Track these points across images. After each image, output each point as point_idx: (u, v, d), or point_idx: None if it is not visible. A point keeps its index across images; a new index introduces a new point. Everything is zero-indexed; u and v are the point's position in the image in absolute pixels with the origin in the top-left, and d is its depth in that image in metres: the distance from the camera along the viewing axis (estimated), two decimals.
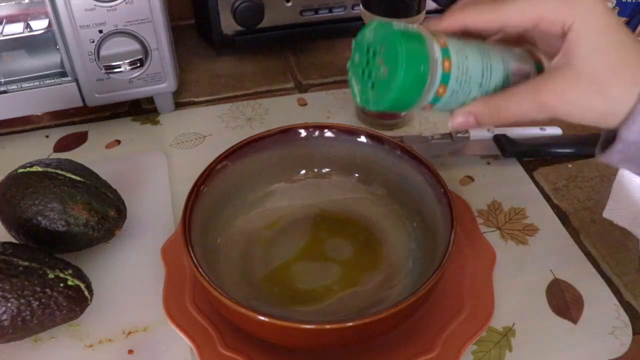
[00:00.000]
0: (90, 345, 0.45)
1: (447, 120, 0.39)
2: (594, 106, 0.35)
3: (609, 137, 0.37)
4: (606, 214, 0.54)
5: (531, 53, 0.41)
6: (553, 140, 0.62)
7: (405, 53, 0.35)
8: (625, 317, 0.47)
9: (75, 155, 0.63)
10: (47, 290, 0.42)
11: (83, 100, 0.62)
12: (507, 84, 0.39)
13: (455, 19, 0.37)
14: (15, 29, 0.57)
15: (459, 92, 0.38)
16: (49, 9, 0.56)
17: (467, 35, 0.38)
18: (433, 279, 0.40)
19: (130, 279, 0.50)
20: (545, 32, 0.36)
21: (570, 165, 0.62)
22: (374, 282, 0.48)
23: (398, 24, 0.37)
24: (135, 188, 0.57)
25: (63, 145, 0.65)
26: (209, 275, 0.41)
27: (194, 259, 0.42)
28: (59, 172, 0.48)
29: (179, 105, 0.70)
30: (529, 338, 0.46)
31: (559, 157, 0.62)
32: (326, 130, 0.53)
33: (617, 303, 0.48)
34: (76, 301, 0.43)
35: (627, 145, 0.35)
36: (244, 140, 0.51)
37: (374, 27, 0.38)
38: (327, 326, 0.38)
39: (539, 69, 0.40)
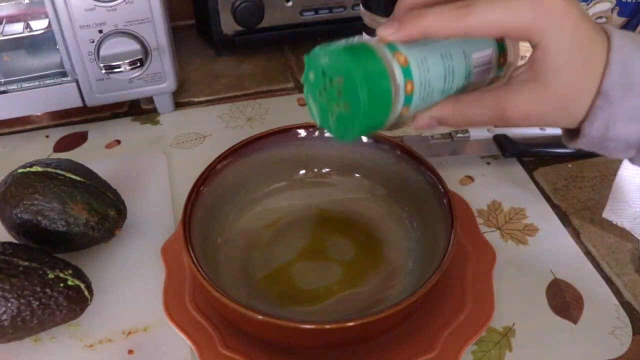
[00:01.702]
0: (90, 345, 0.45)
1: None
2: (557, 120, 0.36)
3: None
4: (606, 214, 0.54)
5: None
6: (553, 140, 0.62)
7: (366, 92, 0.33)
8: (625, 317, 0.47)
9: (75, 155, 0.63)
10: (47, 290, 0.42)
11: (83, 100, 0.62)
12: (470, 78, 0.38)
13: (414, 28, 0.35)
14: (15, 29, 0.57)
15: (422, 104, 0.37)
16: (49, 9, 0.56)
17: None
18: (433, 279, 0.40)
19: (130, 279, 0.50)
20: (513, 38, 0.37)
21: (570, 165, 0.62)
22: (374, 282, 0.48)
23: (355, 45, 0.35)
24: (135, 188, 0.57)
25: (63, 145, 0.65)
26: (209, 275, 0.41)
27: (194, 259, 0.42)
28: (59, 172, 0.48)
29: (179, 105, 0.70)
30: (529, 338, 0.46)
31: (559, 157, 0.62)
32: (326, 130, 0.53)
33: (617, 303, 0.48)
34: (76, 301, 0.43)
35: (590, 138, 0.36)
36: (244, 140, 0.51)
37: (330, 52, 0.35)
38: (327, 326, 0.38)
39: (501, 49, 0.39)
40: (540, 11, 0.33)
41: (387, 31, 0.35)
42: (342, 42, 0.35)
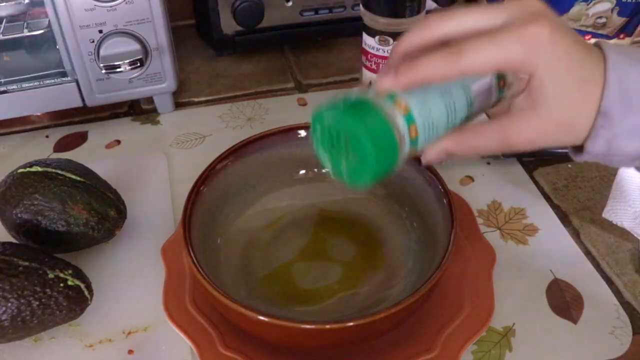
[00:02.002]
0: (90, 345, 0.45)
1: None
2: (561, 141, 0.37)
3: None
4: (606, 214, 0.54)
5: None
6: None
7: (372, 147, 0.35)
8: (625, 317, 0.47)
9: (75, 155, 0.63)
10: (47, 290, 0.42)
11: (83, 100, 0.62)
12: (472, 108, 0.39)
13: (410, 77, 0.36)
14: (15, 29, 0.57)
15: (428, 141, 0.38)
16: (49, 9, 0.56)
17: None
18: (433, 279, 0.40)
19: (130, 279, 0.50)
20: (508, 72, 0.38)
21: (570, 165, 0.62)
22: (374, 282, 0.48)
23: (356, 102, 0.36)
24: (135, 188, 0.57)
25: (63, 145, 0.65)
26: (209, 275, 0.41)
27: (194, 259, 0.42)
28: (59, 172, 0.48)
29: (179, 105, 0.70)
30: (529, 338, 0.46)
31: (559, 157, 0.62)
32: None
33: (617, 303, 0.48)
34: (76, 301, 0.43)
35: (593, 155, 0.37)
36: (244, 140, 0.51)
37: (333, 114, 0.37)
38: (327, 326, 0.38)
39: (499, 78, 0.40)
40: (529, 43, 0.34)
41: (384, 82, 0.36)
42: (343, 99, 0.37)
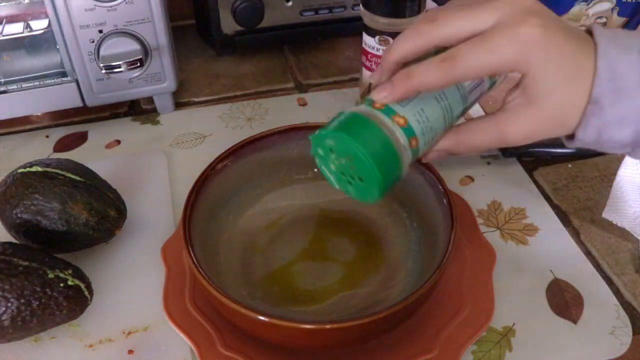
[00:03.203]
0: (90, 345, 0.45)
1: None
2: (555, 133, 0.38)
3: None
4: (606, 214, 0.54)
5: None
6: (553, 140, 0.62)
7: (375, 165, 0.36)
8: (625, 317, 0.47)
9: (75, 155, 0.63)
10: (47, 290, 0.42)
11: (83, 100, 0.62)
12: (466, 102, 0.40)
13: (406, 88, 0.37)
14: (15, 29, 0.57)
15: (427, 146, 0.39)
16: (49, 9, 0.56)
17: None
18: (433, 279, 0.40)
19: (130, 279, 0.50)
20: (501, 73, 0.40)
21: (570, 165, 0.62)
22: (374, 282, 0.48)
23: (354, 121, 0.37)
24: (135, 188, 0.57)
25: (63, 145, 0.65)
26: (209, 275, 0.41)
27: (194, 259, 0.42)
28: (59, 172, 0.48)
29: (179, 105, 0.70)
30: (529, 338, 0.46)
31: (559, 157, 0.62)
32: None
33: (617, 303, 0.48)
34: (76, 301, 0.43)
35: (584, 143, 0.38)
36: (244, 140, 0.51)
37: (333, 136, 0.37)
38: (327, 326, 0.38)
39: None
40: (520, 45, 0.34)
41: (381, 94, 0.37)
42: (340, 119, 0.38)
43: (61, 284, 0.42)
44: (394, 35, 0.58)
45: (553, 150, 0.62)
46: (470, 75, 0.36)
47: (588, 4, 0.70)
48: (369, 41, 0.60)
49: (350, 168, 0.38)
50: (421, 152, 0.39)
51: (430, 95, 0.38)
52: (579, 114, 0.36)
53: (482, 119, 0.39)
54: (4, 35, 0.57)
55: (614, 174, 0.56)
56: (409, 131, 0.37)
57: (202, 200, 0.47)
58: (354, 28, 0.67)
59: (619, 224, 0.53)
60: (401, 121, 0.37)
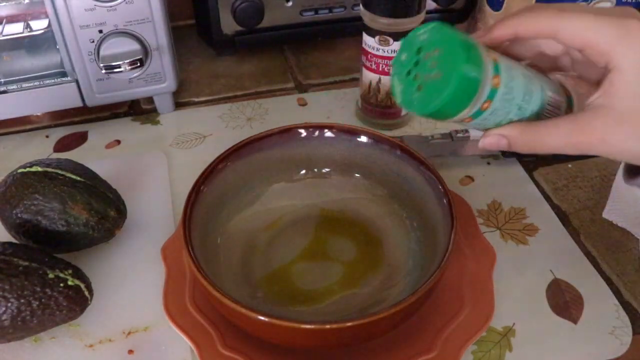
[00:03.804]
0: (90, 345, 0.45)
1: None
2: (634, 149, 0.35)
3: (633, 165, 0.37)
4: (606, 214, 0.54)
5: (563, 87, 0.40)
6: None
7: (464, 60, 0.34)
8: (625, 317, 0.47)
9: (75, 155, 0.63)
10: (47, 290, 0.42)
11: (83, 100, 0.62)
12: (542, 112, 0.38)
13: (505, 25, 0.37)
14: (15, 29, 0.57)
15: (500, 110, 0.37)
16: (49, 9, 0.56)
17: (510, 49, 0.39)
18: (433, 279, 0.40)
19: (130, 279, 0.50)
20: (587, 58, 0.36)
21: (570, 165, 0.62)
22: (374, 282, 0.48)
23: (454, 30, 0.36)
24: (135, 188, 0.57)
25: (63, 145, 0.65)
26: (209, 275, 0.41)
27: (194, 259, 0.42)
28: (59, 172, 0.48)
29: (179, 105, 0.70)
30: (529, 338, 0.46)
31: (559, 157, 0.62)
32: (326, 130, 0.53)
33: (617, 303, 0.48)
34: (76, 301, 0.43)
35: None
36: (244, 140, 0.51)
37: (431, 28, 0.36)
38: (327, 326, 0.38)
39: (569, 104, 0.39)
40: (625, 33, 0.33)
41: (479, 32, 0.37)
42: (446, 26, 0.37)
43: (61, 284, 0.42)
44: (394, 35, 0.58)
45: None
46: (569, 34, 0.35)
47: (588, 4, 0.70)
48: (369, 41, 0.60)
49: (431, 66, 0.36)
50: (491, 111, 0.37)
51: (519, 70, 0.37)
52: None
53: (560, 117, 0.37)
54: (4, 35, 0.56)
55: (614, 174, 0.56)
56: (496, 68, 0.36)
57: (202, 200, 0.47)
58: (354, 28, 0.67)
59: (619, 224, 0.53)
60: (493, 56, 0.36)
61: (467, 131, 0.62)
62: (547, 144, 0.36)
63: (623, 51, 0.33)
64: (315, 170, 0.55)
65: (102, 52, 0.58)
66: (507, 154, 0.61)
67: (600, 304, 0.48)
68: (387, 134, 0.52)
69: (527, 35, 0.37)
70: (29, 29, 0.57)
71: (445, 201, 0.46)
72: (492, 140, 0.38)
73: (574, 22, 0.34)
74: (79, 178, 0.48)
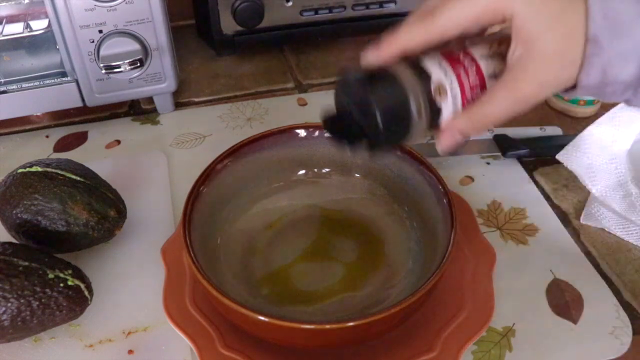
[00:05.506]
0: (90, 345, 0.45)
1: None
2: (563, 77, 0.36)
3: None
4: (585, 220, 0.54)
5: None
6: (553, 141, 0.62)
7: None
8: (625, 317, 0.47)
9: (75, 155, 0.63)
10: (47, 290, 0.42)
11: (83, 100, 0.62)
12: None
13: (392, 46, 0.37)
14: (15, 29, 0.57)
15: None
16: (49, 9, 0.56)
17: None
18: (433, 279, 0.40)
19: (130, 279, 0.50)
20: (488, 24, 0.37)
21: None
22: (374, 282, 0.48)
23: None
24: (135, 188, 0.57)
25: (63, 145, 0.65)
26: (209, 275, 0.41)
27: (194, 259, 0.42)
28: (59, 172, 0.48)
29: (179, 105, 0.70)
30: (529, 338, 0.46)
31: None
32: (326, 130, 0.53)
33: (617, 303, 0.48)
34: (76, 301, 0.43)
35: (587, 88, 0.37)
36: (244, 140, 0.51)
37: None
38: (327, 326, 0.38)
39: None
40: None
41: (369, 56, 0.37)
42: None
43: (61, 284, 0.42)
44: None
45: (553, 150, 0.62)
46: (453, 25, 0.36)
47: None
48: None
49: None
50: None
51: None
52: (579, 50, 0.35)
53: (490, 89, 0.38)
54: (4, 35, 0.57)
55: None
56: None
57: (202, 200, 0.47)
58: (354, 28, 0.67)
59: (569, 167, 0.55)
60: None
61: None
62: (493, 114, 0.37)
63: (511, 5, 0.35)
64: (315, 170, 0.55)
65: (102, 52, 0.58)
66: (507, 154, 0.61)
67: (600, 304, 0.48)
68: None
69: (417, 48, 0.37)
70: (29, 29, 0.57)
71: (445, 201, 0.46)
72: (446, 139, 0.39)
73: (449, 14, 0.36)
74: (79, 178, 0.48)
